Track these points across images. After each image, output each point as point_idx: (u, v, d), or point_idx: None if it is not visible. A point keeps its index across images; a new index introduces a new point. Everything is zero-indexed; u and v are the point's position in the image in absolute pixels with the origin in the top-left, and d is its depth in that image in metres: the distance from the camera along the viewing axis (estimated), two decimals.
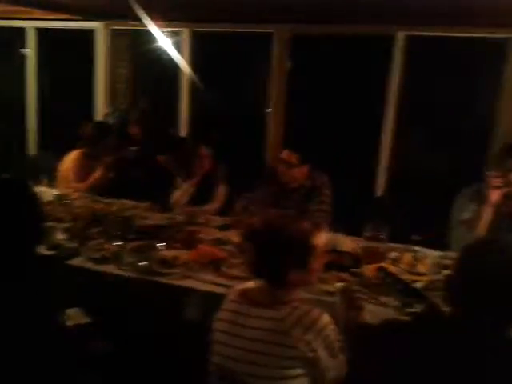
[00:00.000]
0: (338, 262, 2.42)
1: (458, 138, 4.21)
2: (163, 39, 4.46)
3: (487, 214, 2.72)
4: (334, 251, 2.53)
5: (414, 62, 3.92)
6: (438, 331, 1.26)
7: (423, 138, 4.38)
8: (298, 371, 1.54)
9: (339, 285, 2.03)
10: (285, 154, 3.05)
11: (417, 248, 2.67)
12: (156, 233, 2.66)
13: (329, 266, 2.31)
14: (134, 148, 3.78)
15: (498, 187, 2.71)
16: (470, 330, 1.21)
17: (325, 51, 4.20)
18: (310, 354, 1.53)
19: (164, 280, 2.24)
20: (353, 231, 2.79)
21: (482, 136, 3.93)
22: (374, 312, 1.98)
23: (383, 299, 2.12)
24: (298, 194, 3.10)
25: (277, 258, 1.61)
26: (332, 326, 1.59)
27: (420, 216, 3.37)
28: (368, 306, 2.02)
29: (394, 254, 2.58)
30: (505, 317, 1.22)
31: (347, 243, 2.64)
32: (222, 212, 3.30)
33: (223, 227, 2.91)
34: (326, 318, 1.58)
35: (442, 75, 4.03)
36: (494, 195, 2.71)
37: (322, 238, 1.71)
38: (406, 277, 2.28)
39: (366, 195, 4.17)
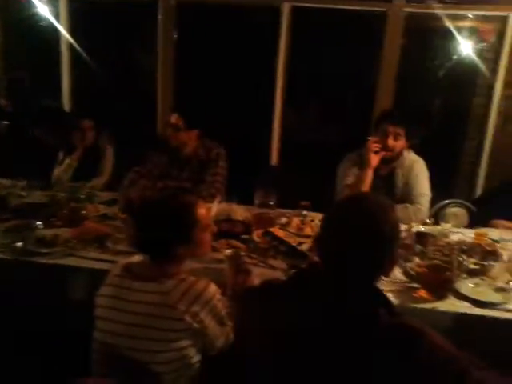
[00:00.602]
0: (231, 230, 2.45)
1: (345, 106, 4.39)
2: (39, 5, 4.13)
3: (368, 178, 2.86)
4: (227, 220, 2.56)
5: (299, 33, 3.98)
6: (311, 287, 1.29)
7: (312, 107, 4.52)
8: (185, 343, 1.53)
9: (228, 251, 2.03)
10: (173, 117, 2.97)
11: (305, 212, 2.76)
12: (34, 211, 2.48)
13: (222, 235, 2.33)
14: (5, 122, 3.47)
15: (376, 152, 2.86)
16: (336, 284, 1.25)
17: (212, 20, 4.12)
18: (197, 326, 1.51)
19: (43, 260, 2.09)
20: (248, 200, 2.82)
21: (366, 104, 4.11)
22: (263, 275, 2.00)
23: (271, 262, 2.17)
24: (192, 163, 3.06)
25: (156, 232, 1.56)
26: (219, 296, 1.60)
27: (311, 182, 3.51)
28: (256, 269, 2.05)
29: (283, 219, 2.65)
30: (367, 270, 1.26)
31: (240, 212, 2.67)
32: (110, 187, 3.15)
33: (110, 202, 2.78)
34: (212, 288, 1.57)
35: (328, 46, 4.14)
36: (374, 159, 2.86)
37: (209, 210, 1.69)
38: (293, 240, 2.35)
39: (262, 164, 4.23)
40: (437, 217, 3.00)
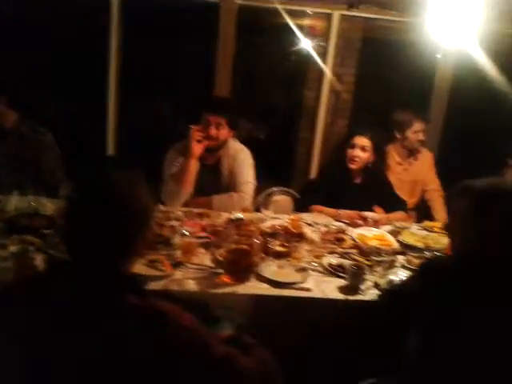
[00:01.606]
0: (30, 225, 2.26)
1: (186, 98, 4.33)
2: None
3: (192, 167, 2.82)
4: (30, 215, 2.38)
5: (131, 25, 3.84)
6: (61, 279, 1.18)
7: (154, 99, 4.42)
8: None
9: (13, 248, 1.85)
10: None
11: None
12: None
13: (19, 230, 2.15)
14: None
15: (199, 141, 2.83)
16: (81, 271, 1.17)
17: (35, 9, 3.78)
18: None
19: None
20: None
21: (207, 95, 4.07)
22: None
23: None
24: (9, 138, 2.94)
25: None
26: None
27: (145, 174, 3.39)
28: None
29: None
30: (112, 254, 1.19)
31: (50, 205, 2.50)
32: None
33: None
34: None
35: (164, 38, 4.05)
36: (197, 148, 2.83)
37: None
38: None
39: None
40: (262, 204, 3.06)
